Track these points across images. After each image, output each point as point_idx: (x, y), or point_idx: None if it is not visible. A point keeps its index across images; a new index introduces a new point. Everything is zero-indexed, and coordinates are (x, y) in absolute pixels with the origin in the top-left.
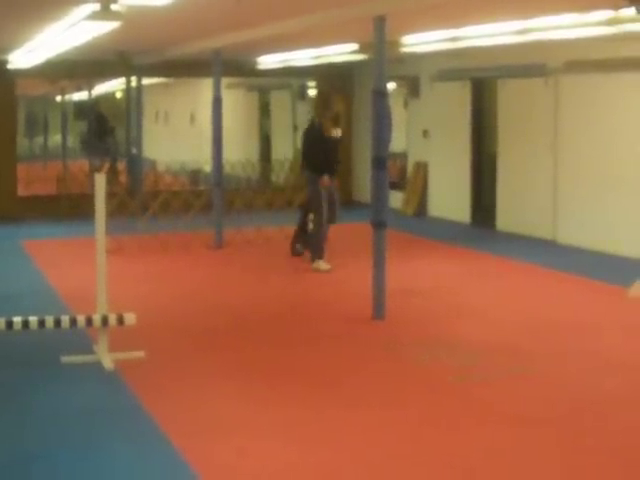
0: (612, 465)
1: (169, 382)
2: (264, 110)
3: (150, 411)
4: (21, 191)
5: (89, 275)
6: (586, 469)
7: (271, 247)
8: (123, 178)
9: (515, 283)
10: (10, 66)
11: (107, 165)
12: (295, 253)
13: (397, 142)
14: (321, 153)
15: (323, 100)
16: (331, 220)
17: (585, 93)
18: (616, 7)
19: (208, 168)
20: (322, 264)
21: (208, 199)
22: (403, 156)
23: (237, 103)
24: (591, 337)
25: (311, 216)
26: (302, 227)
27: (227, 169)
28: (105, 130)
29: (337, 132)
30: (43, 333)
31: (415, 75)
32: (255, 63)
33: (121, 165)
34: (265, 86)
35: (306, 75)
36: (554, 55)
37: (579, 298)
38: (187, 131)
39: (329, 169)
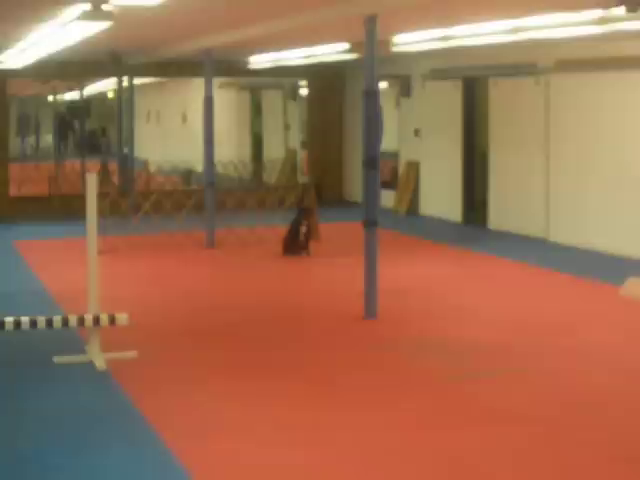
0: (603, 461)
1: (162, 382)
2: (256, 110)
3: (142, 411)
4: (13, 191)
5: (81, 275)
6: (577, 466)
7: (263, 247)
8: (115, 178)
9: (507, 282)
10: (1, 66)
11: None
12: (287, 253)
13: (388, 141)
14: None
15: None
16: None
17: (576, 92)
18: (606, 6)
19: (200, 168)
20: None
21: (200, 199)
22: (394, 155)
23: (229, 103)
24: (583, 336)
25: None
26: (295, 227)
27: (219, 169)
28: (66, 131)
29: None
30: (35, 333)
31: (406, 74)
32: (246, 63)
33: (113, 165)
34: (257, 86)
35: (297, 74)
36: (545, 54)
37: (571, 296)
38: (179, 131)
39: None
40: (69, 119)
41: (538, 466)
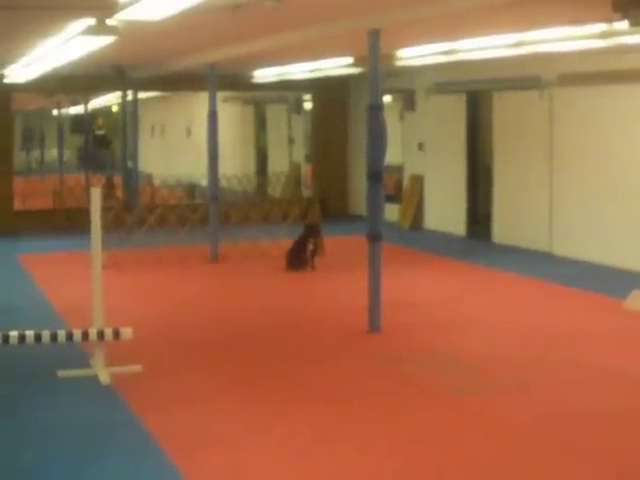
0: (610, 476)
1: (166, 396)
2: (260, 123)
3: (147, 425)
4: (17, 205)
5: (85, 289)
6: None
7: (267, 261)
8: (119, 192)
9: (511, 296)
10: (6, 80)
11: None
12: (291, 267)
13: (393, 155)
14: None
15: None
16: None
17: (579, 105)
18: (609, 20)
19: (204, 182)
20: None
21: (204, 213)
22: (399, 169)
23: (233, 117)
24: (587, 349)
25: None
26: (301, 243)
27: (223, 183)
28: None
29: None
30: (40, 347)
31: (410, 88)
32: (251, 77)
33: (117, 179)
34: (261, 99)
35: (302, 88)
36: (548, 68)
37: (575, 310)
38: (183, 145)
39: None
40: (102, 137)
41: None
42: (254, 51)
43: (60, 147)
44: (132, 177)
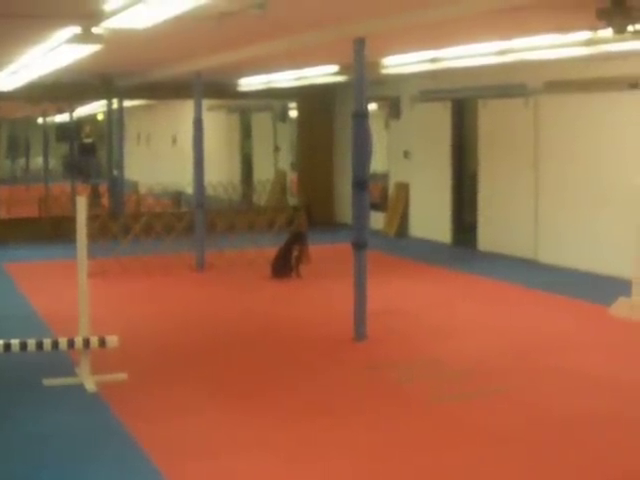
0: None
1: (152, 404)
2: (245, 132)
3: (133, 433)
4: (3, 214)
5: (71, 297)
6: None
7: (253, 269)
8: (105, 200)
9: (496, 303)
10: None
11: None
12: (277, 275)
13: (378, 163)
14: None
15: None
16: None
17: (565, 113)
18: (594, 28)
19: (190, 190)
20: None
21: (190, 221)
22: (384, 177)
23: (219, 125)
24: (572, 356)
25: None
26: (286, 250)
27: (209, 191)
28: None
29: None
30: (25, 356)
31: (396, 96)
32: (236, 85)
33: (103, 187)
34: (246, 108)
35: (287, 96)
36: (534, 75)
37: (561, 317)
38: (169, 153)
39: None
40: (90, 145)
41: None
42: (240, 59)
43: (45, 155)
44: (118, 185)
